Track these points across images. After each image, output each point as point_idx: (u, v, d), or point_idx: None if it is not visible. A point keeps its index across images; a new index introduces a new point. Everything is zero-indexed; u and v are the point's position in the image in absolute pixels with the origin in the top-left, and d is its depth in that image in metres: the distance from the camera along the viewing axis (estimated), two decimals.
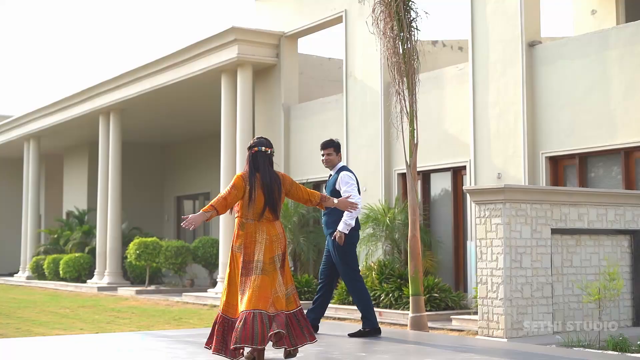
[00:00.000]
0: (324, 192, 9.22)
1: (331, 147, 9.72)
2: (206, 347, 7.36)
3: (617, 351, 9.18)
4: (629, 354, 8.89)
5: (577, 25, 19.45)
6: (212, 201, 7.23)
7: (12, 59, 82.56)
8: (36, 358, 8.24)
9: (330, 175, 9.71)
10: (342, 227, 9.29)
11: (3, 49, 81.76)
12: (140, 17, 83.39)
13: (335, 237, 9.36)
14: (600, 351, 9.11)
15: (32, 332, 13.64)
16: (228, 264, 7.36)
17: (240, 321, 6.93)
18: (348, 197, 8.62)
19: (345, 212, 9.16)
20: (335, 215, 9.37)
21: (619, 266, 11.51)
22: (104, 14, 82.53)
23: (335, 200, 7.81)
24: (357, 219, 9.50)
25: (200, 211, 7.15)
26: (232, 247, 7.36)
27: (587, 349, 9.33)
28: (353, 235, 9.50)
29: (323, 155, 9.70)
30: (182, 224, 7.21)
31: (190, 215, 7.11)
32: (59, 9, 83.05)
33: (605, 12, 18.91)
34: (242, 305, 7.04)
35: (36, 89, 79.89)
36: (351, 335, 9.49)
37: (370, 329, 9.44)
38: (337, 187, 9.41)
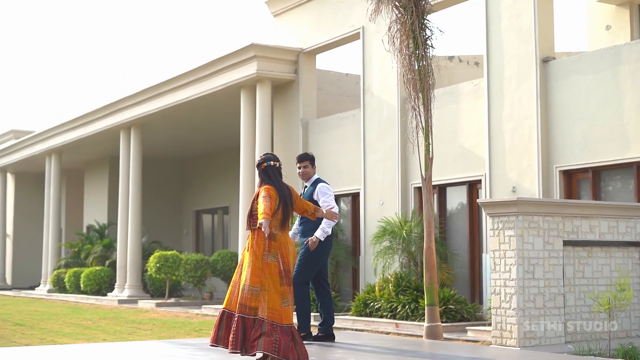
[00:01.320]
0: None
1: (307, 160, 10.29)
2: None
3: (626, 359, 9.42)
4: None
5: (592, 40, 19.67)
6: (262, 211, 7.52)
7: (35, 76, 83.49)
8: None
9: (306, 187, 10.25)
10: (320, 234, 9.85)
11: (27, 66, 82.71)
12: (162, 35, 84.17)
13: (308, 243, 9.90)
14: (610, 359, 9.34)
15: (56, 342, 13.97)
16: (250, 272, 7.63)
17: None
18: (331, 208, 9.10)
19: (325, 221, 9.76)
20: (311, 224, 9.93)
21: (629, 277, 11.76)
22: (126, 31, 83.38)
23: (324, 211, 8.43)
24: (332, 229, 10.13)
25: (263, 219, 7.46)
26: (261, 255, 7.65)
27: (597, 357, 9.57)
28: (325, 245, 10.03)
29: (300, 168, 10.20)
30: (267, 236, 7.60)
31: (264, 224, 7.42)
32: (81, 28, 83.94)
33: (619, 27, 19.15)
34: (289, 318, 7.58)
35: (58, 105, 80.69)
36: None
37: (306, 333, 9.98)
38: (314, 197, 9.95)
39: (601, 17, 19.59)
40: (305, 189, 10.22)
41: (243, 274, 7.66)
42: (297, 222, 10.40)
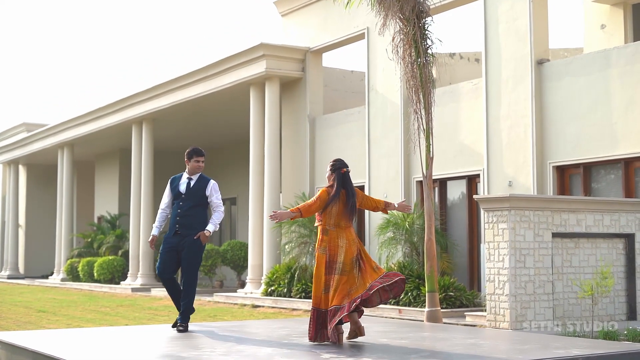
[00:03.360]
0: (184, 192, 10.31)
1: (204, 156, 10.50)
2: (310, 341, 8.92)
3: (606, 339, 10.42)
4: (614, 342, 10.13)
5: (587, 39, 20.36)
6: (300, 205, 8.81)
7: (48, 70, 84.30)
8: (107, 343, 9.56)
9: (190, 179, 10.36)
10: (212, 227, 10.24)
11: (40, 60, 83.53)
12: (174, 33, 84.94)
13: (199, 236, 10.13)
14: (591, 339, 10.33)
15: (83, 327, 14.91)
16: (315, 265, 8.92)
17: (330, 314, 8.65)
18: (403, 201, 9.84)
19: (216, 215, 10.30)
20: (197, 217, 10.29)
21: (612, 266, 12.81)
22: (139, 30, 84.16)
23: (396, 204, 9.35)
24: None
25: (288, 210, 8.78)
26: (316, 250, 8.92)
27: (581, 338, 10.55)
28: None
29: (198, 161, 10.34)
30: (269, 216, 8.79)
31: (278, 211, 8.76)
32: (96, 27, 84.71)
33: (614, 26, 19.87)
34: (332, 301, 8.69)
35: (70, 99, 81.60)
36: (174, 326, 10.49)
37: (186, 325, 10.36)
38: (207, 193, 10.30)
39: (596, 16, 20.29)
40: (190, 182, 10.35)
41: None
42: (164, 216, 10.59)
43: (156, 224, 10.51)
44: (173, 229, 10.29)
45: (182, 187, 10.33)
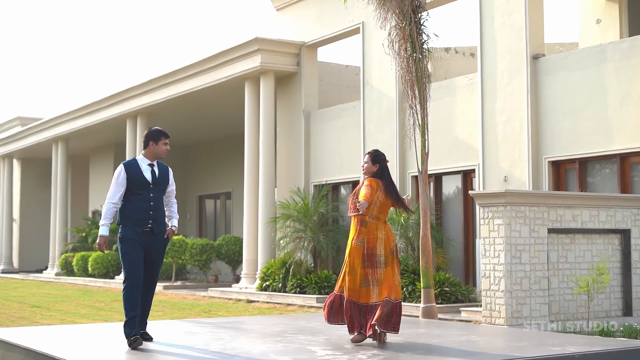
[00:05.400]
0: (151, 181, 8.82)
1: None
2: (328, 322, 8.93)
3: (602, 336, 10.39)
4: (610, 338, 10.10)
5: (583, 33, 20.35)
6: (364, 195, 8.70)
7: (43, 64, 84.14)
8: (100, 340, 9.51)
9: (152, 165, 8.88)
10: (176, 222, 9.13)
11: (34, 53, 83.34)
12: (169, 27, 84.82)
13: (168, 235, 8.92)
14: (587, 336, 10.31)
15: (77, 323, 14.89)
16: (347, 253, 8.80)
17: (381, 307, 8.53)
18: (407, 196, 9.67)
19: (174, 206, 9.07)
20: (164, 211, 9.01)
21: (608, 262, 12.78)
22: (134, 24, 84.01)
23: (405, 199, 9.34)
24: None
25: (363, 200, 8.64)
26: (352, 241, 8.79)
27: (577, 334, 10.54)
28: None
29: (167, 144, 8.95)
30: (358, 206, 8.65)
31: (362, 202, 8.60)
32: (91, 20, 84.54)
33: (609, 21, 19.88)
34: (378, 295, 8.63)
35: (65, 93, 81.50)
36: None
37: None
38: (170, 181, 9.02)
39: (592, 10, 20.30)
40: (154, 169, 8.87)
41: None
42: (114, 212, 8.79)
43: (106, 221, 8.68)
44: (143, 224, 8.66)
45: (148, 175, 8.79)
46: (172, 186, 9.03)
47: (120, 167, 8.77)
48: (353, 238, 8.81)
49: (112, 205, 8.65)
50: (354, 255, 8.74)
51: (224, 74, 23.48)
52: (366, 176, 9.10)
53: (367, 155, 9.19)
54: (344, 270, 8.83)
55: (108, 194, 8.68)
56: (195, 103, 26.83)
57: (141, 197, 8.69)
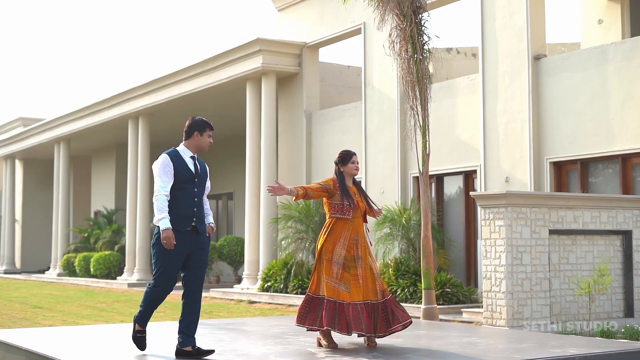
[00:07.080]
0: (196, 175, 7.98)
1: None
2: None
3: (603, 337, 10.37)
4: (611, 340, 10.08)
5: (585, 34, 20.34)
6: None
7: (45, 65, 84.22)
8: (101, 341, 9.51)
9: (194, 158, 8.11)
10: (212, 220, 8.16)
11: (36, 54, 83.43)
12: (170, 28, 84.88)
13: (209, 232, 8.04)
14: (588, 338, 10.29)
15: (78, 324, 14.89)
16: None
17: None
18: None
19: (207, 203, 8.12)
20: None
21: (610, 263, 12.76)
22: (135, 25, 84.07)
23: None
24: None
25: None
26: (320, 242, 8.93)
27: (578, 336, 10.51)
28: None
29: (210, 137, 8.24)
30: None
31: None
32: (93, 21, 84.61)
33: (611, 21, 19.86)
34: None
35: (67, 94, 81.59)
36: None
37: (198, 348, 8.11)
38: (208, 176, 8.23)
39: (594, 11, 20.27)
40: (196, 162, 8.11)
41: None
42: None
43: (164, 213, 7.59)
44: (187, 222, 7.74)
45: (192, 168, 7.93)
46: (208, 182, 8.15)
47: (165, 156, 7.87)
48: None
49: (164, 197, 7.62)
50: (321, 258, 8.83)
51: (225, 75, 23.48)
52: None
53: (354, 156, 9.08)
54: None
55: (156, 185, 7.66)
56: (197, 104, 26.82)
57: (184, 192, 7.77)
